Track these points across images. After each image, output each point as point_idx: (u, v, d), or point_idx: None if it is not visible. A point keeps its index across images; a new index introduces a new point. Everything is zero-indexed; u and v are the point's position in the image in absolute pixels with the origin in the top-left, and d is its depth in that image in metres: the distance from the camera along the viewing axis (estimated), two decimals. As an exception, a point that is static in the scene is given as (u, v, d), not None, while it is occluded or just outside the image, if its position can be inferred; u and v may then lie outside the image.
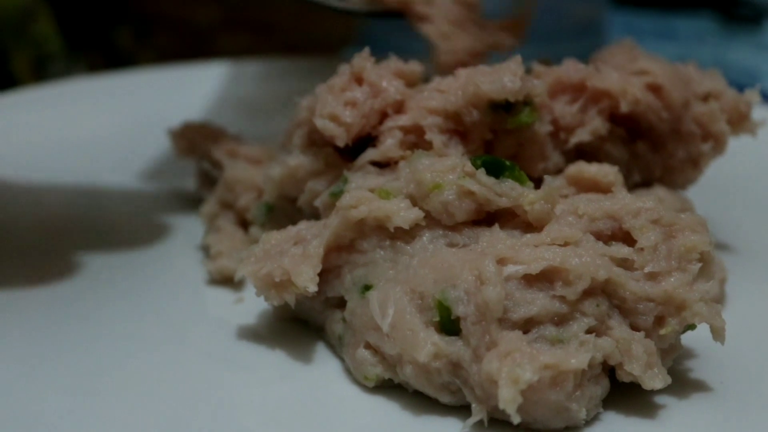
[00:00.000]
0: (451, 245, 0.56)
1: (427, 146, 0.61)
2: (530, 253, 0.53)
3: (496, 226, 0.56)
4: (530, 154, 0.63)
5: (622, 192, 0.57)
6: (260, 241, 0.59)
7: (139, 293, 0.65)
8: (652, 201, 0.56)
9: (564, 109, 0.65)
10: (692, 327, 0.54)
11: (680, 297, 0.53)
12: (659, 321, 0.54)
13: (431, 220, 0.57)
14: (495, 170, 0.56)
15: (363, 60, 0.63)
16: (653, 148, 0.68)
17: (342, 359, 0.58)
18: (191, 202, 0.79)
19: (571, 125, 0.66)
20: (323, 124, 0.61)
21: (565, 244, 0.54)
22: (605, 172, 0.60)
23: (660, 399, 0.54)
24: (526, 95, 0.59)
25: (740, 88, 0.70)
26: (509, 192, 0.56)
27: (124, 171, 0.86)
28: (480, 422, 0.51)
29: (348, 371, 0.57)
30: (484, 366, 0.50)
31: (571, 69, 0.67)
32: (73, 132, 0.94)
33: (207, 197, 0.74)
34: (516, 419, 0.48)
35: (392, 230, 0.56)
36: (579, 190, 0.60)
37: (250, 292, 0.64)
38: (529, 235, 0.55)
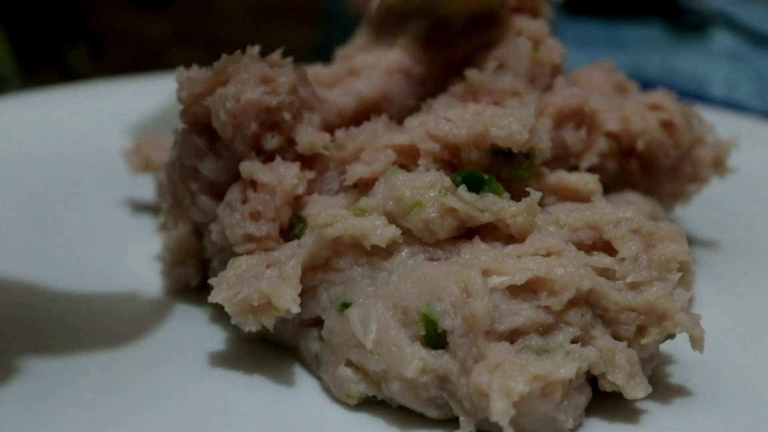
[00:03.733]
0: (432, 260, 0.56)
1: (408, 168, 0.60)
2: (514, 264, 0.53)
3: (477, 239, 0.56)
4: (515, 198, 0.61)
5: (601, 202, 0.58)
6: (229, 266, 0.58)
7: (98, 311, 0.64)
8: (632, 211, 0.56)
9: (572, 136, 0.66)
10: (672, 336, 0.55)
11: (662, 307, 0.53)
12: (641, 330, 0.54)
13: (409, 237, 0.56)
14: (474, 185, 0.56)
15: (251, 168, 0.60)
16: (644, 171, 0.69)
17: (319, 378, 0.57)
18: (152, 214, 0.78)
19: (581, 151, 0.66)
20: (244, 249, 0.59)
21: (548, 255, 0.54)
22: (585, 180, 0.60)
23: (641, 405, 0.55)
24: (530, 148, 0.58)
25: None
26: (491, 207, 0.56)
27: (77, 186, 0.84)
28: (468, 435, 0.51)
29: (327, 390, 0.56)
30: (474, 379, 0.50)
31: (567, 95, 0.67)
32: (25, 147, 0.92)
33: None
34: (509, 431, 0.48)
35: (369, 248, 0.56)
36: (559, 199, 0.60)
37: (212, 307, 0.64)
38: (511, 246, 0.55)
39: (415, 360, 0.51)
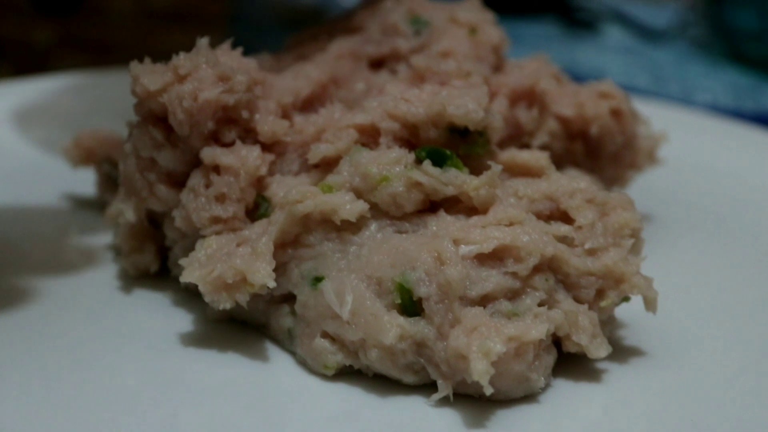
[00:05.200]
0: (400, 233, 0.58)
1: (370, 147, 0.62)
2: (480, 233, 0.56)
3: (442, 212, 0.58)
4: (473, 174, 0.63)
5: (556, 174, 0.61)
6: (199, 247, 0.58)
7: (58, 305, 0.63)
8: (585, 182, 0.59)
9: (525, 115, 0.69)
10: (627, 299, 0.58)
11: (619, 270, 0.57)
12: (599, 294, 0.57)
13: (377, 211, 0.58)
14: (438, 160, 0.58)
15: (213, 153, 0.60)
16: (588, 153, 0.73)
17: (292, 353, 0.58)
18: (92, 208, 0.78)
19: (532, 130, 0.70)
20: (211, 231, 0.60)
21: (511, 224, 0.57)
22: (537, 157, 0.63)
23: (600, 365, 0.58)
24: (485, 126, 0.61)
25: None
26: (454, 180, 0.58)
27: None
28: (444, 398, 0.53)
29: (302, 363, 0.57)
30: (451, 342, 0.52)
31: (519, 76, 0.71)
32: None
33: (110, 199, 0.73)
34: (488, 390, 0.51)
35: (338, 223, 0.57)
36: (512, 175, 0.63)
37: (173, 292, 0.65)
38: (475, 218, 0.57)
39: (393, 327, 0.53)
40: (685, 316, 0.64)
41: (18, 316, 0.61)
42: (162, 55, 0.63)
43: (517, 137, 0.69)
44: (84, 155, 0.78)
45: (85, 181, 0.79)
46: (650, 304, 0.57)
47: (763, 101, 1.26)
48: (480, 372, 0.50)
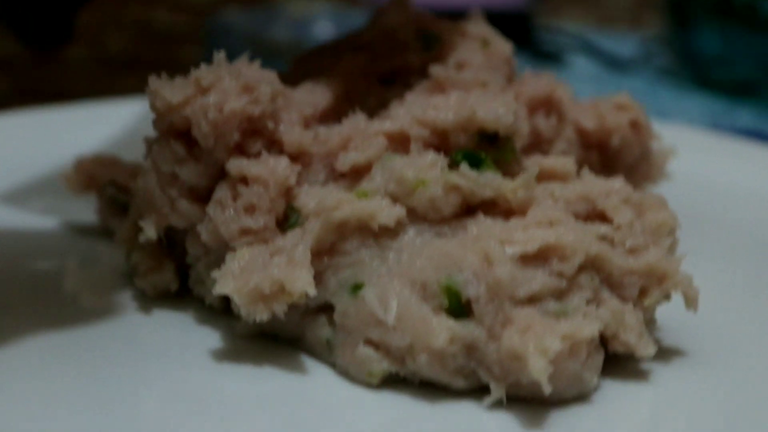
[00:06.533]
0: (439, 237, 0.57)
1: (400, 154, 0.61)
2: (523, 234, 0.55)
3: (480, 215, 0.57)
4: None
5: (589, 176, 0.60)
6: (230, 260, 0.57)
7: (74, 332, 0.60)
8: (619, 182, 0.59)
9: (544, 123, 0.69)
10: (668, 298, 0.57)
11: (662, 268, 0.56)
12: (642, 293, 0.57)
13: (414, 216, 0.57)
14: (474, 163, 0.58)
15: (240, 165, 0.59)
16: (604, 165, 0.72)
17: (331, 365, 0.57)
18: (91, 235, 0.76)
19: (551, 138, 0.70)
20: (242, 243, 0.58)
21: (551, 225, 0.56)
22: (562, 162, 0.62)
23: (645, 366, 0.57)
24: (513, 132, 0.60)
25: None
26: (492, 182, 0.57)
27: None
28: (497, 402, 0.52)
29: (343, 374, 0.56)
30: (505, 342, 0.51)
31: (536, 84, 0.71)
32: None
33: (115, 225, 0.71)
34: (547, 389, 0.49)
35: (376, 229, 0.56)
36: (538, 181, 0.62)
37: (195, 311, 0.63)
38: (514, 220, 0.57)
39: (442, 330, 0.52)
40: (720, 317, 0.63)
41: (31, 346, 0.58)
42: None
43: (537, 146, 0.69)
44: (85, 181, 0.76)
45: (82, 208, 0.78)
46: (691, 302, 0.57)
47: (737, 123, 1.28)
48: (539, 370, 0.49)
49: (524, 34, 1.71)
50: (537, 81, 0.71)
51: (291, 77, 0.70)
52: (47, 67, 2.10)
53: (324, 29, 1.77)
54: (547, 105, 0.70)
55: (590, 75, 1.57)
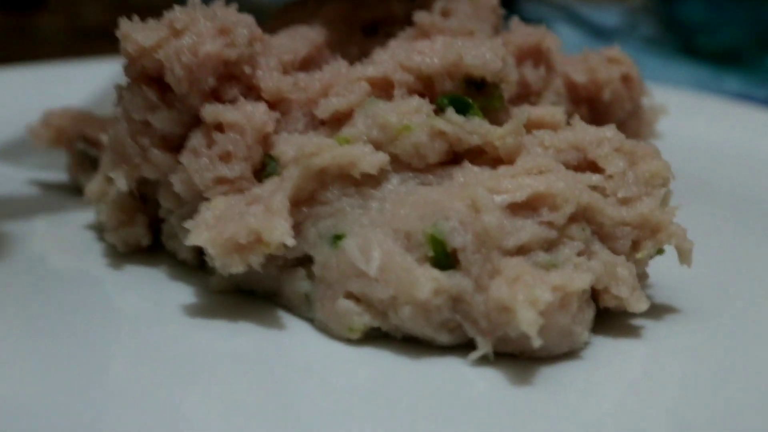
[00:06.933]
0: (424, 185, 0.54)
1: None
2: (511, 182, 0.52)
3: (467, 163, 0.55)
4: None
5: (580, 123, 0.58)
6: (204, 210, 0.54)
7: (44, 288, 0.58)
8: (611, 131, 0.56)
9: (533, 74, 0.66)
10: (661, 252, 0.55)
11: (655, 219, 0.54)
12: (635, 245, 0.54)
13: (398, 163, 0.55)
14: (461, 109, 0.55)
15: (215, 110, 0.56)
16: (593, 119, 0.70)
17: (309, 320, 0.54)
18: (61, 191, 0.73)
19: (540, 89, 0.67)
20: (217, 193, 0.55)
21: (540, 173, 0.53)
22: (552, 112, 0.60)
23: (636, 321, 0.55)
24: (501, 78, 0.58)
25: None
26: (479, 129, 0.55)
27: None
28: (483, 357, 0.50)
29: (323, 329, 0.53)
30: (493, 293, 0.48)
31: (524, 33, 0.68)
32: None
33: (85, 182, 0.68)
34: (537, 342, 0.47)
35: (358, 176, 0.53)
36: (527, 131, 0.60)
37: (168, 266, 0.60)
38: (503, 168, 0.54)
39: (427, 281, 0.49)
40: (710, 274, 0.61)
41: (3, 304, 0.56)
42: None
43: (525, 98, 0.66)
44: (54, 135, 0.73)
45: (49, 165, 0.75)
46: (685, 256, 0.55)
47: (724, 89, 1.26)
48: (528, 322, 0.47)
49: (508, 3, 1.68)
50: (525, 30, 0.68)
51: (271, 27, 0.67)
52: (21, 38, 2.06)
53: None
54: (535, 55, 0.67)
55: (574, 44, 1.54)
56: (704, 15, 1.42)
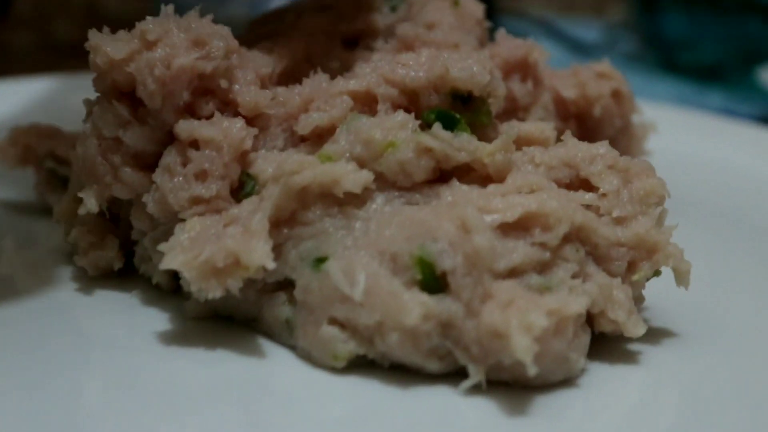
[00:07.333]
0: (410, 204, 0.52)
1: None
2: (502, 201, 0.50)
3: (455, 181, 0.52)
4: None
5: (572, 140, 0.55)
6: (179, 231, 0.51)
7: (11, 314, 0.55)
8: (604, 147, 0.54)
9: (520, 89, 0.64)
10: (657, 273, 0.53)
11: (652, 239, 0.52)
12: (630, 267, 0.52)
13: (383, 182, 0.52)
14: (448, 124, 0.53)
15: (190, 126, 0.54)
16: (582, 135, 0.67)
17: (291, 347, 0.51)
18: (29, 212, 0.70)
19: (528, 104, 0.65)
20: (192, 213, 0.52)
21: (531, 192, 0.51)
22: (541, 128, 0.58)
23: (633, 346, 0.53)
24: (489, 92, 0.56)
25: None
26: (467, 145, 0.52)
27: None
28: (476, 386, 0.47)
29: (305, 357, 0.50)
30: (485, 318, 0.46)
31: (511, 46, 0.66)
32: None
33: (54, 201, 0.65)
34: (533, 370, 0.45)
35: (341, 196, 0.51)
36: (517, 148, 0.58)
37: (141, 291, 0.58)
38: (492, 186, 0.52)
39: (415, 306, 0.47)
40: (707, 295, 0.59)
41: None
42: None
43: (512, 112, 0.64)
44: (22, 153, 0.70)
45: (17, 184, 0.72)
46: (682, 277, 0.52)
47: (707, 104, 1.24)
48: (523, 349, 0.44)
49: (487, 18, 1.67)
50: (512, 43, 0.66)
51: (248, 39, 0.64)
52: (-8, 53, 2.03)
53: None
54: (522, 68, 0.65)
55: (555, 59, 1.52)
56: (686, 31, 1.41)
